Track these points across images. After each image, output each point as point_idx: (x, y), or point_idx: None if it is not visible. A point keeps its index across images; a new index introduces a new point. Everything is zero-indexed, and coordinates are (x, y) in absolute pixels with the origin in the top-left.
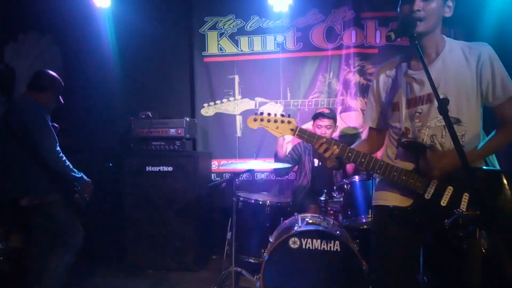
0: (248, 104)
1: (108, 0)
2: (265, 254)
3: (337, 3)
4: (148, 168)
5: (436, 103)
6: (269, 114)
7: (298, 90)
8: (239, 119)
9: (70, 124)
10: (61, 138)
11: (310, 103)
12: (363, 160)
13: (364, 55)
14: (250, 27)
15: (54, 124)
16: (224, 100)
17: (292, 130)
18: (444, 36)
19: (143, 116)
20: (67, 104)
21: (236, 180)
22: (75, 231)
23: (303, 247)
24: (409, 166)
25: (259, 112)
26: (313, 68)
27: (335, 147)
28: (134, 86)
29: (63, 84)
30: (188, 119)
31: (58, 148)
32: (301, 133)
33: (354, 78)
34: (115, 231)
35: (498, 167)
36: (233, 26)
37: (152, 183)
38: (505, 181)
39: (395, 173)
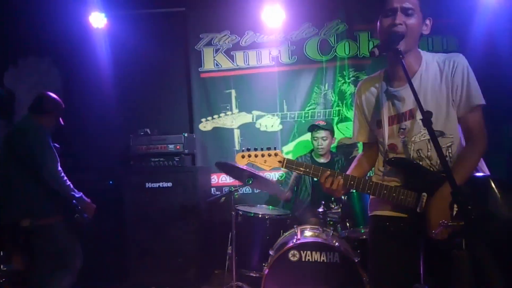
0: (246, 117)
1: (104, 20)
2: (265, 268)
3: (329, 16)
4: (148, 185)
5: (418, 118)
6: (255, 149)
7: (294, 102)
8: (237, 133)
9: (70, 143)
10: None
11: (306, 115)
12: (352, 183)
13: (358, 66)
14: (245, 42)
15: (56, 144)
16: (222, 114)
17: (279, 162)
18: (420, 51)
19: (142, 133)
20: (67, 124)
21: (236, 193)
22: (75, 253)
23: (303, 259)
24: (397, 182)
25: (245, 149)
26: (308, 80)
27: (339, 177)
28: (133, 104)
29: (63, 106)
30: (186, 134)
31: (59, 168)
32: (289, 164)
33: (349, 88)
34: (118, 249)
35: (486, 170)
36: (228, 42)
37: (152, 199)
38: (493, 187)
39: (385, 191)
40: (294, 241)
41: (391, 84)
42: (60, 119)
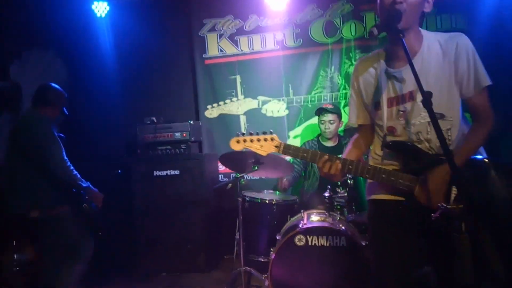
0: (251, 103)
1: (107, 8)
2: (272, 253)
3: None
4: (156, 173)
5: (418, 100)
6: (250, 134)
7: (300, 86)
8: (243, 119)
9: (77, 133)
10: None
11: (313, 99)
12: (350, 167)
13: (365, 47)
14: (249, 27)
15: (61, 134)
16: (227, 101)
17: (276, 147)
18: (421, 30)
19: (148, 122)
20: (73, 114)
21: (242, 180)
22: (85, 242)
23: (309, 244)
24: (396, 165)
25: (240, 133)
26: (314, 63)
27: (337, 162)
28: (138, 93)
29: (66, 96)
30: (192, 122)
31: (65, 158)
32: (286, 149)
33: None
34: (128, 237)
35: (484, 154)
36: (232, 27)
37: (160, 187)
38: (492, 169)
39: (383, 175)
40: (301, 226)
41: (391, 64)
42: (64, 109)
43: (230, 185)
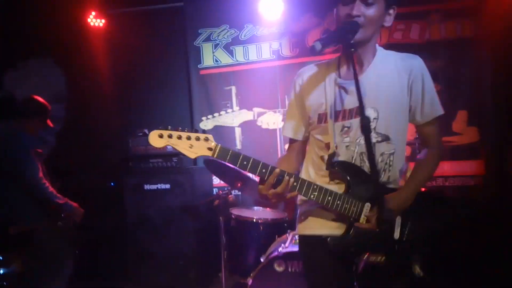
0: (247, 115)
1: (102, 19)
2: (249, 278)
3: (332, 5)
4: (147, 187)
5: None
6: (180, 130)
7: None
8: (238, 131)
9: (72, 144)
10: (51, 180)
11: None
12: (295, 184)
13: None
14: (244, 36)
15: (38, 150)
16: (222, 112)
17: (210, 149)
18: (377, 45)
19: (140, 134)
20: (69, 124)
21: (232, 194)
22: (64, 260)
23: (289, 270)
24: (340, 188)
25: (163, 126)
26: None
27: (287, 177)
28: (133, 104)
29: (50, 109)
30: None
31: (40, 175)
32: (222, 153)
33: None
34: (118, 250)
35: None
36: (227, 36)
37: (151, 201)
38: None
39: (329, 198)
40: (280, 249)
41: (341, 73)
42: (49, 122)
43: (216, 201)
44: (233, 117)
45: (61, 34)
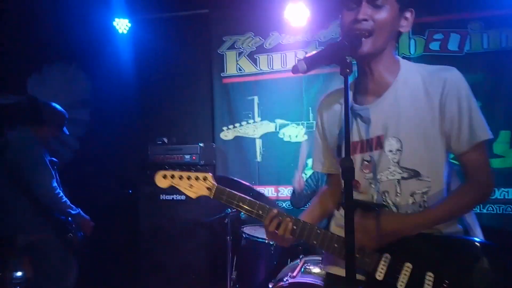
0: (268, 126)
1: (128, 25)
2: None
3: None
4: (162, 196)
5: (387, 149)
6: (182, 169)
7: None
8: (258, 143)
9: (94, 149)
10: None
11: None
12: (295, 227)
13: None
14: (269, 44)
15: (53, 159)
16: (243, 123)
17: (208, 189)
18: (399, 58)
19: (159, 142)
20: (91, 130)
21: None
22: (67, 272)
23: None
24: None
25: (168, 167)
26: (337, 85)
27: (288, 220)
28: (156, 110)
29: (66, 117)
30: (202, 144)
31: (54, 185)
32: (219, 194)
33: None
34: (131, 260)
35: (478, 231)
36: (251, 45)
37: (165, 211)
38: (484, 259)
39: (335, 245)
40: (287, 279)
41: (358, 99)
42: (65, 129)
43: (226, 219)
44: (254, 128)
45: (88, 39)
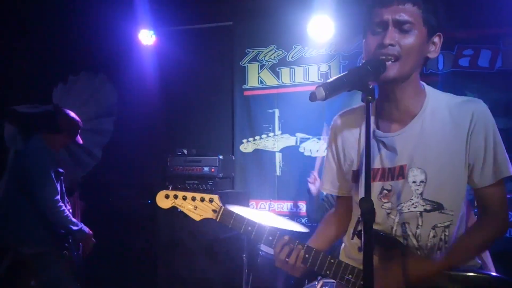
0: (288, 140)
1: (153, 37)
2: None
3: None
4: (180, 208)
5: (410, 180)
6: (185, 190)
7: None
8: (278, 157)
9: (117, 158)
10: (80, 203)
11: None
12: (306, 256)
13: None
14: (292, 57)
15: (59, 169)
16: (264, 135)
17: (214, 211)
18: (425, 85)
19: (179, 153)
20: (113, 139)
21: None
22: (68, 286)
23: None
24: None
25: (171, 186)
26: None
27: (300, 247)
28: (177, 121)
29: (80, 125)
30: (221, 156)
31: (57, 197)
32: (225, 217)
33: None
34: (149, 270)
35: (490, 265)
36: (274, 57)
37: (183, 224)
38: None
39: (350, 276)
40: None
41: (381, 125)
42: (78, 138)
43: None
44: (274, 142)
45: (112, 49)
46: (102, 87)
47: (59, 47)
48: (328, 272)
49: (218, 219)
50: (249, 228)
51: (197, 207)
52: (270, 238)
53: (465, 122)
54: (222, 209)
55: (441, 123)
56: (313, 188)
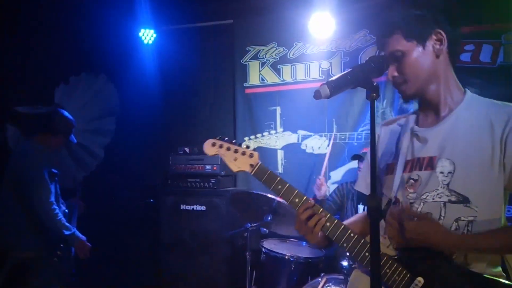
0: (290, 137)
1: (153, 36)
2: None
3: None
4: (183, 207)
5: (438, 171)
6: (233, 142)
7: (345, 121)
8: (280, 154)
9: (116, 158)
10: (81, 205)
11: (359, 137)
12: (328, 224)
13: None
14: (293, 55)
15: (53, 170)
16: (265, 133)
17: (251, 165)
18: (467, 89)
19: (181, 152)
20: (115, 138)
21: (263, 229)
22: None
23: None
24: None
25: (220, 137)
26: (363, 96)
27: (323, 214)
28: (178, 120)
29: (75, 125)
30: None
31: (51, 199)
32: (259, 173)
33: (413, 107)
34: (151, 270)
35: None
36: (275, 55)
37: (185, 222)
38: None
39: (367, 254)
40: None
41: (419, 121)
42: (72, 137)
43: (246, 233)
44: (276, 139)
45: (113, 50)
46: (103, 87)
47: (59, 48)
48: (345, 245)
49: (253, 172)
50: (279, 187)
51: (237, 158)
52: (297, 200)
53: (502, 122)
54: (258, 165)
55: (477, 118)
56: (318, 193)
